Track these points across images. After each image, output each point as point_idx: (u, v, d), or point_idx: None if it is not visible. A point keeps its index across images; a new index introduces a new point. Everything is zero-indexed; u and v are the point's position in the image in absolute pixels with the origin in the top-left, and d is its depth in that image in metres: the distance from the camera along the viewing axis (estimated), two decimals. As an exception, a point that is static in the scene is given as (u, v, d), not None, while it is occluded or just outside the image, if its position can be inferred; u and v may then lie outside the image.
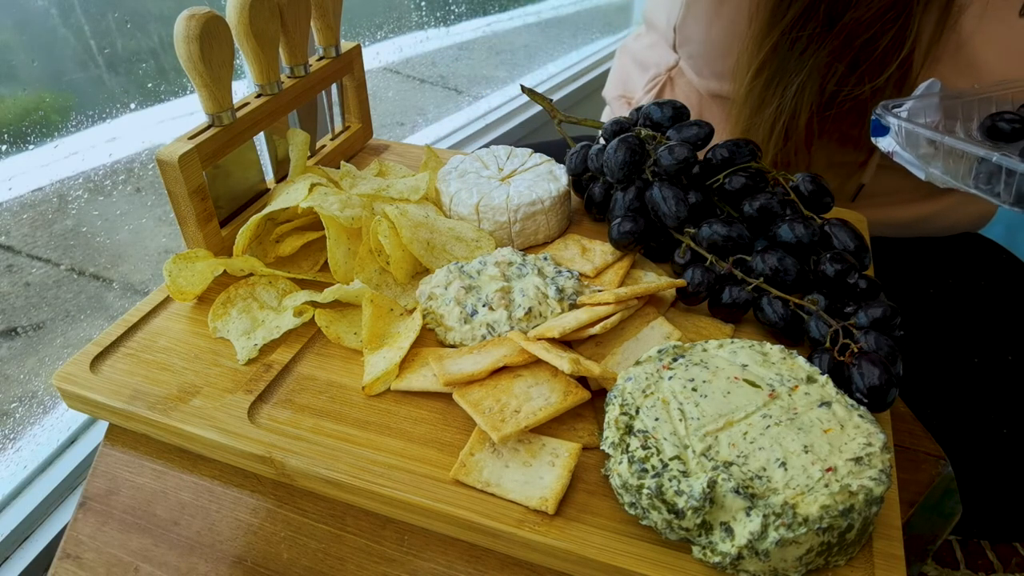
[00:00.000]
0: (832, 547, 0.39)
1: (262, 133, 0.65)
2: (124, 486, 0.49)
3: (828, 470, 0.39)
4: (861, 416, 0.42)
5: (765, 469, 0.39)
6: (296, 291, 0.58)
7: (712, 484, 0.38)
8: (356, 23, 1.29)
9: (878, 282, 0.53)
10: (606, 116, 1.06)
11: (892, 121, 0.56)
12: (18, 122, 0.78)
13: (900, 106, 0.59)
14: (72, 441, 0.84)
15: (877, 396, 0.46)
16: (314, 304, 0.56)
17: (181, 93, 0.92)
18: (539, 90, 0.78)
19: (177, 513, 0.48)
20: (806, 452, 0.40)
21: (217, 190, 0.61)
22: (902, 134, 0.56)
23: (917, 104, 0.59)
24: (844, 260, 0.53)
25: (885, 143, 0.58)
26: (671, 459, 0.40)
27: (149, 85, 0.90)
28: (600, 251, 0.61)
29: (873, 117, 0.58)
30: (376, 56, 1.35)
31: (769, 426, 0.41)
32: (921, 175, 0.56)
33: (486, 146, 0.71)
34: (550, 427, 0.46)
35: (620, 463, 0.41)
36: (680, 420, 0.42)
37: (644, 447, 0.41)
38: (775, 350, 0.46)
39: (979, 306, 0.80)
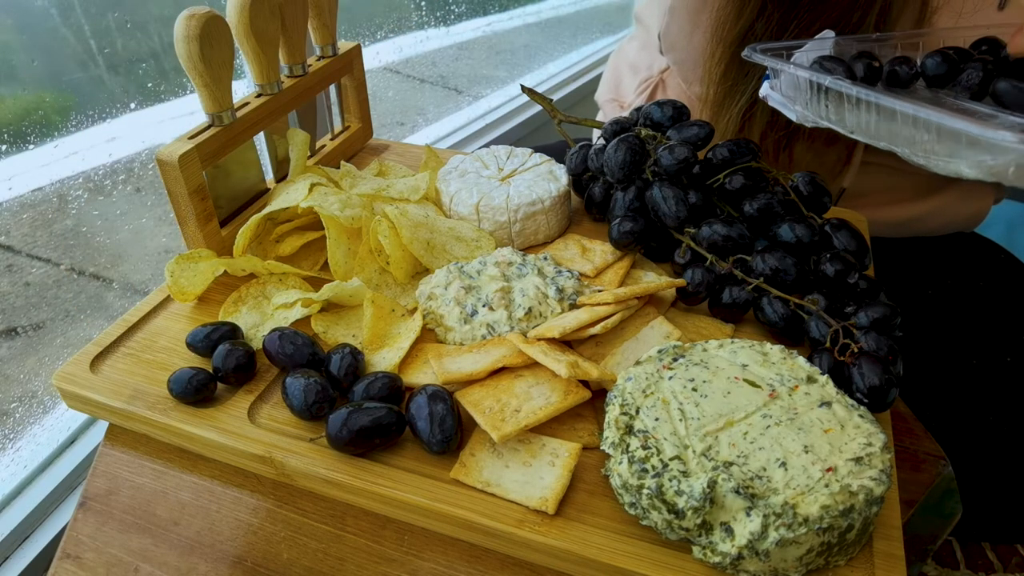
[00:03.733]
0: (832, 547, 0.39)
1: (262, 133, 0.65)
2: (124, 486, 0.49)
3: (828, 470, 0.39)
4: (861, 416, 0.42)
5: (765, 469, 0.39)
6: (308, 289, 0.58)
7: (712, 484, 0.38)
8: (356, 23, 1.29)
9: (878, 282, 0.53)
10: (601, 119, 1.06)
11: (758, 58, 0.56)
12: (18, 122, 0.78)
13: (789, 49, 0.58)
14: (72, 441, 0.84)
15: (877, 396, 0.46)
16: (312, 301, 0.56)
17: (181, 93, 0.92)
18: (539, 90, 0.78)
19: (177, 513, 0.48)
20: (806, 452, 0.40)
21: (217, 190, 0.61)
22: (778, 77, 0.56)
23: (809, 48, 0.58)
24: (844, 260, 0.53)
25: (762, 91, 0.58)
26: (671, 459, 0.40)
27: (149, 85, 0.90)
28: (600, 251, 0.61)
29: (767, 72, 0.58)
30: (376, 56, 1.35)
31: (769, 426, 0.41)
32: (792, 116, 0.55)
33: (486, 146, 0.71)
34: (550, 427, 0.46)
35: (620, 463, 0.41)
36: (680, 420, 0.42)
37: (644, 447, 0.41)
38: (775, 350, 0.46)
39: (978, 306, 0.80)
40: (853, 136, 0.51)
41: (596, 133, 0.95)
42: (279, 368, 0.51)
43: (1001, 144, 0.41)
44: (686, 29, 0.79)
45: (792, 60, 0.58)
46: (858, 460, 0.39)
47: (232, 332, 0.52)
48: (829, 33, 0.59)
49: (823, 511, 0.37)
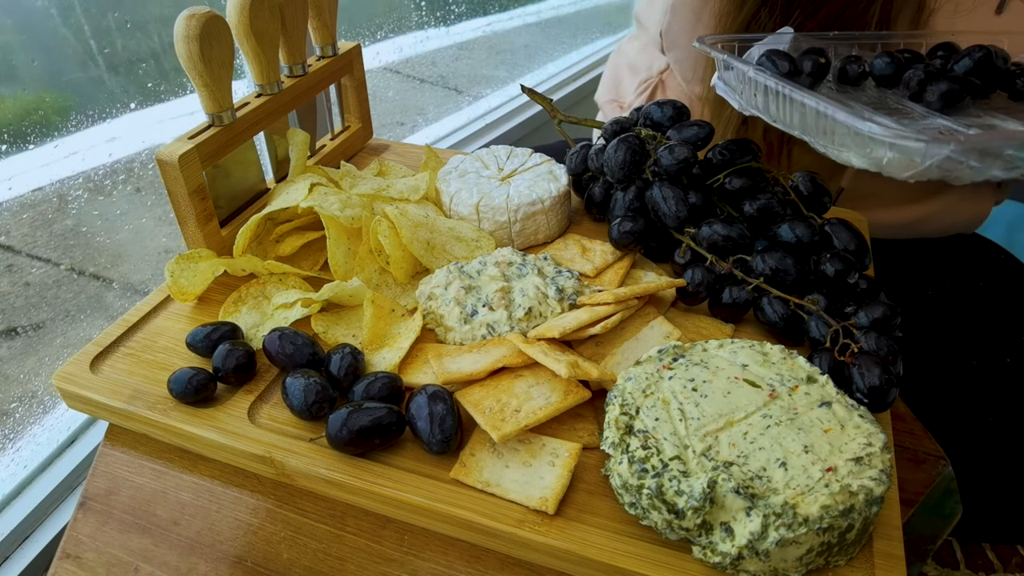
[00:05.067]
0: (832, 547, 0.39)
1: (262, 133, 0.65)
2: (124, 486, 0.49)
3: (828, 470, 0.39)
4: (861, 416, 0.42)
5: (765, 469, 0.39)
6: (308, 289, 0.58)
7: (712, 484, 0.38)
8: (356, 23, 1.29)
9: (878, 282, 0.53)
10: (600, 120, 1.06)
11: (706, 50, 0.59)
12: (18, 122, 0.78)
13: (746, 42, 0.62)
14: (72, 441, 0.84)
15: (877, 396, 0.46)
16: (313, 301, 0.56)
17: (181, 93, 0.92)
18: (539, 90, 0.78)
19: (177, 513, 0.48)
20: (806, 452, 0.40)
21: (217, 190, 0.61)
22: (729, 69, 0.59)
23: (767, 42, 0.61)
24: (844, 260, 0.53)
25: (712, 80, 0.61)
26: (671, 459, 0.40)
27: (149, 85, 0.90)
28: (600, 251, 0.61)
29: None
30: (376, 56, 1.35)
31: (769, 426, 0.41)
32: (735, 105, 0.58)
33: (486, 146, 0.71)
34: (550, 427, 0.46)
35: (620, 463, 0.41)
36: (680, 420, 0.42)
37: (644, 447, 0.41)
38: (775, 350, 0.46)
39: (978, 307, 0.80)
40: (775, 125, 0.54)
41: (596, 133, 0.95)
42: (279, 368, 0.51)
43: (874, 136, 0.45)
44: (688, 28, 0.79)
45: (746, 54, 0.60)
46: (858, 460, 0.39)
47: (232, 332, 0.52)
48: (788, 30, 0.62)
49: (823, 511, 0.37)
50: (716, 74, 0.60)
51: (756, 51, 0.60)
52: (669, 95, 0.90)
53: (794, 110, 0.52)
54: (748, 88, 0.56)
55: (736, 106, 0.58)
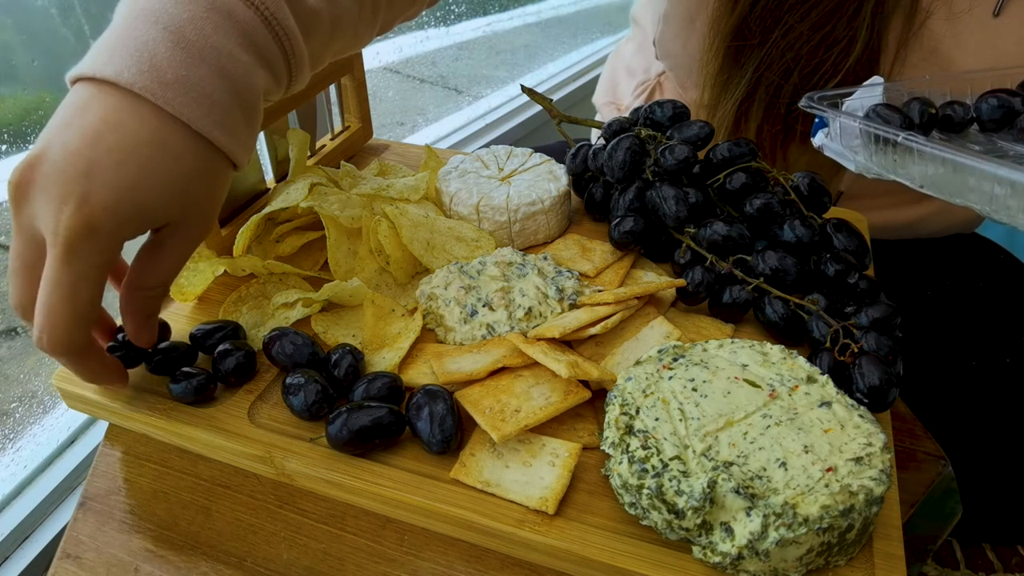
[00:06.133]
0: (832, 547, 0.39)
1: (262, 133, 0.65)
2: (124, 486, 0.49)
3: (828, 470, 0.39)
4: (861, 416, 0.42)
5: (765, 469, 0.39)
6: (308, 289, 0.58)
7: (712, 484, 0.38)
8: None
9: (878, 282, 0.53)
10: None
11: (816, 110, 0.56)
12: (18, 122, 0.78)
13: (840, 97, 0.58)
14: (72, 441, 0.84)
15: (877, 396, 0.46)
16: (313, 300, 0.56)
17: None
18: (539, 90, 0.78)
19: (177, 513, 0.48)
20: (806, 452, 0.40)
21: (217, 190, 0.60)
22: (836, 126, 0.56)
23: (859, 95, 0.58)
24: (844, 260, 0.53)
25: (816, 140, 0.58)
26: (671, 459, 0.40)
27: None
28: (600, 251, 0.61)
29: (816, 118, 0.58)
30: (376, 56, 1.35)
31: (769, 426, 0.41)
32: (851, 166, 0.55)
33: (486, 146, 0.71)
34: (550, 427, 0.46)
35: (620, 463, 0.41)
36: (680, 420, 0.42)
37: (644, 447, 0.41)
38: (775, 350, 0.46)
39: (978, 307, 0.80)
40: (923, 190, 0.50)
41: (596, 133, 0.95)
42: (279, 368, 0.51)
43: None
44: (681, 36, 0.79)
45: (844, 107, 0.57)
46: (858, 460, 0.39)
47: (234, 331, 0.52)
48: (878, 79, 0.59)
49: (823, 511, 0.37)
50: (820, 133, 0.57)
51: (854, 104, 0.57)
52: (667, 97, 0.90)
53: (954, 174, 0.47)
54: (880, 149, 0.52)
55: (853, 167, 0.55)
